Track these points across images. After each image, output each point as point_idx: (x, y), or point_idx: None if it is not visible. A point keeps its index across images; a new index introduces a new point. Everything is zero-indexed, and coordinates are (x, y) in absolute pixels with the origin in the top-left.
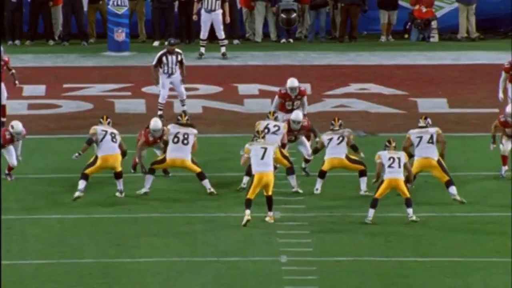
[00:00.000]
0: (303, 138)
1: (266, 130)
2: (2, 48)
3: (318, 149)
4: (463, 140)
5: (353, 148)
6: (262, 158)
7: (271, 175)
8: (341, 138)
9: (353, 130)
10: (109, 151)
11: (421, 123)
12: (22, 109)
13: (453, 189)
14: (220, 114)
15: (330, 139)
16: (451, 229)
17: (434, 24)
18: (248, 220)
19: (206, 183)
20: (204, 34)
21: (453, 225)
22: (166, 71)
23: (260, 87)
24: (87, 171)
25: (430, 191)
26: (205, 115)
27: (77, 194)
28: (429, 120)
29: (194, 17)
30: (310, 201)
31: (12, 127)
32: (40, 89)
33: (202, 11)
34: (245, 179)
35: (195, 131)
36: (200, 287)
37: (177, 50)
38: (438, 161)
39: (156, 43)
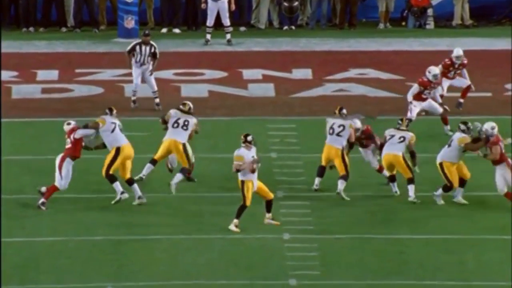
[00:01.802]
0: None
1: (330, 131)
2: None
3: (382, 144)
4: (457, 123)
5: (412, 154)
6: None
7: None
8: (402, 139)
9: (353, 114)
10: (123, 141)
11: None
12: (36, 93)
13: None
14: (225, 98)
15: (392, 136)
16: (446, 207)
17: (430, 11)
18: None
19: (177, 178)
20: (210, 21)
21: (447, 204)
22: (138, 60)
23: (264, 72)
24: (112, 170)
25: (425, 172)
26: (211, 99)
27: (123, 196)
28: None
29: (203, 6)
30: (311, 181)
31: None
32: (53, 73)
33: None
34: (317, 180)
35: (195, 120)
36: (206, 263)
37: (152, 42)
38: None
39: (164, 30)
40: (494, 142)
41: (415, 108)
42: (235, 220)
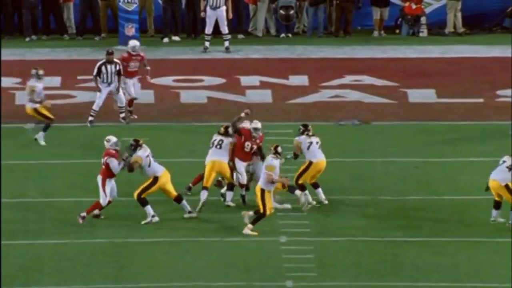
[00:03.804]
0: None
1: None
2: (139, 44)
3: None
4: (450, 128)
5: None
6: None
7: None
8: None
9: (348, 119)
10: (161, 170)
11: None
12: None
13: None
14: (223, 104)
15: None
16: (440, 211)
17: (423, 20)
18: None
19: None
20: (209, 29)
21: (441, 208)
22: (105, 80)
23: (261, 79)
24: (145, 195)
25: (419, 176)
26: (210, 105)
27: (153, 219)
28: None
29: (202, 14)
30: (308, 187)
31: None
32: (56, 80)
33: (208, 7)
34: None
35: (231, 139)
36: (205, 265)
37: (115, 60)
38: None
39: (166, 40)
40: None
41: None
42: (250, 226)
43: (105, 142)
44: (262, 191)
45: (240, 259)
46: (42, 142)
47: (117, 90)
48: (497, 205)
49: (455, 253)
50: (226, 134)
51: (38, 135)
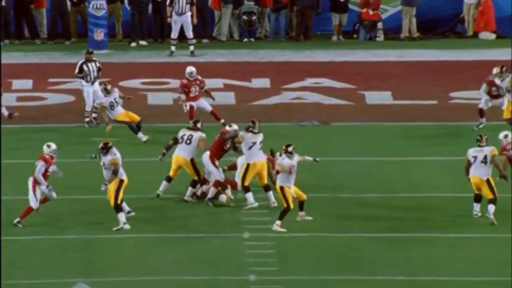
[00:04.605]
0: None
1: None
2: (195, 70)
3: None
4: (406, 128)
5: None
6: None
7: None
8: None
9: (308, 120)
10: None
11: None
12: (11, 101)
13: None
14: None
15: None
16: (396, 208)
17: (380, 25)
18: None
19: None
20: (174, 34)
21: (398, 205)
22: (89, 79)
23: (225, 82)
24: (119, 200)
25: (376, 174)
26: (175, 107)
27: (125, 227)
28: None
29: (169, 20)
30: (271, 183)
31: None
32: (28, 83)
33: (173, 13)
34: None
35: (200, 134)
36: (171, 260)
37: (94, 58)
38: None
39: (133, 44)
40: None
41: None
42: (278, 222)
43: (45, 147)
44: (281, 188)
45: (205, 254)
46: (144, 138)
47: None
48: (478, 198)
49: (410, 248)
50: (195, 129)
51: (139, 135)
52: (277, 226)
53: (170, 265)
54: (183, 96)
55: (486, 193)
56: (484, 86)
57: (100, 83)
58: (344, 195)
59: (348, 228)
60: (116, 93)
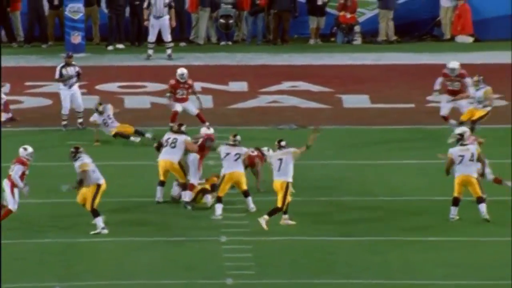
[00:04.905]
0: None
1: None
2: (186, 72)
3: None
4: (383, 132)
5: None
6: None
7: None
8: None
9: (286, 123)
10: (102, 177)
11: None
12: None
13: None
14: (166, 109)
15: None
16: (373, 211)
17: (357, 28)
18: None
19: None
20: (152, 37)
21: (375, 208)
22: (67, 83)
23: (202, 85)
24: (95, 205)
25: (354, 177)
26: (153, 110)
27: (102, 231)
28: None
29: (146, 23)
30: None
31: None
32: (5, 86)
33: (151, 17)
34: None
35: (185, 137)
36: (148, 263)
37: (73, 62)
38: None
39: (110, 47)
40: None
41: None
42: (266, 217)
43: (21, 150)
44: (287, 184)
45: (182, 258)
46: (149, 136)
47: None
48: (456, 201)
49: (387, 251)
50: (179, 132)
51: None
52: (263, 220)
53: (148, 269)
54: (168, 100)
55: (475, 191)
56: (440, 79)
57: (97, 105)
58: (321, 198)
59: (325, 232)
60: (109, 110)
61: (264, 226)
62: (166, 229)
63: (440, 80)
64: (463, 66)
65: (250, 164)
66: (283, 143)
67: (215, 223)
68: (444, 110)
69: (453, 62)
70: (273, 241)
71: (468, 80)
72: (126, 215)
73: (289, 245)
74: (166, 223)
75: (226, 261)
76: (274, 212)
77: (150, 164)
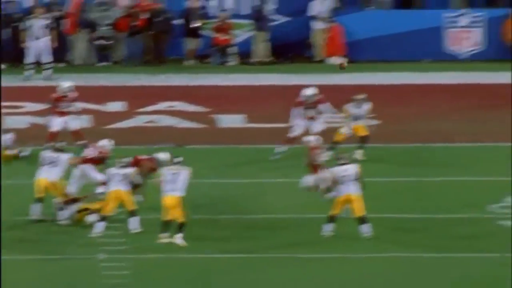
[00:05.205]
0: None
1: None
2: (70, 85)
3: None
4: (258, 151)
5: None
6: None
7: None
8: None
9: (164, 142)
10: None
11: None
12: None
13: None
14: (45, 129)
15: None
16: (248, 229)
17: (233, 49)
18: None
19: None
20: (30, 58)
21: (250, 225)
22: None
23: (81, 105)
24: None
25: (229, 196)
26: (32, 130)
27: None
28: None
29: (23, 45)
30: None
31: None
32: None
33: (28, 38)
34: None
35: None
36: (26, 282)
37: None
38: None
39: None
40: None
41: None
42: (180, 234)
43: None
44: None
45: (60, 276)
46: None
47: None
48: (332, 219)
49: (262, 268)
50: (59, 150)
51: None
52: (180, 239)
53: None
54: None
55: (358, 209)
56: (296, 109)
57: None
58: (198, 217)
59: (202, 249)
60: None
61: (182, 243)
62: (43, 246)
63: (295, 111)
64: (333, 87)
65: (139, 166)
66: (177, 160)
67: (93, 240)
68: (298, 130)
69: (310, 89)
70: (151, 258)
71: (326, 106)
72: (6, 233)
73: (167, 262)
74: (43, 240)
75: (105, 279)
76: (181, 227)
77: (25, 182)
